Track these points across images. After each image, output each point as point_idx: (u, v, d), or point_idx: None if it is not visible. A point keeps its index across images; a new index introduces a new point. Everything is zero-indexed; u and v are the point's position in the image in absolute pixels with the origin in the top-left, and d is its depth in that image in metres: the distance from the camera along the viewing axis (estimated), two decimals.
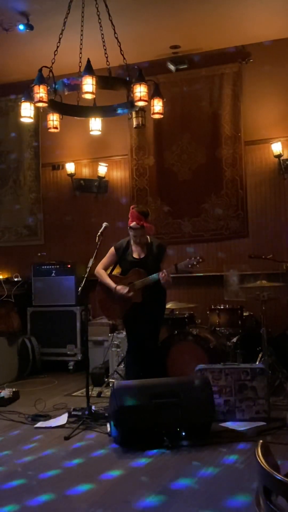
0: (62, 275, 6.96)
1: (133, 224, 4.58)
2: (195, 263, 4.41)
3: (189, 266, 4.43)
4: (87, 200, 7.38)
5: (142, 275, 4.56)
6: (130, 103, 4.61)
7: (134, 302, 4.57)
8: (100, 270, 4.78)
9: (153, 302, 4.59)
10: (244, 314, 5.77)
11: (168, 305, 5.51)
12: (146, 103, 4.50)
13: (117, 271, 4.90)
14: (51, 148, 7.57)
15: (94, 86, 4.25)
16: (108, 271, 4.84)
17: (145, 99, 4.40)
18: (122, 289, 4.57)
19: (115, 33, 4.63)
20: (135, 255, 4.72)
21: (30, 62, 6.19)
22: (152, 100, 4.64)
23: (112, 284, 4.65)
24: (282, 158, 6.49)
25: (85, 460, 3.62)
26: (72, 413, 4.54)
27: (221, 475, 3.27)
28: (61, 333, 6.82)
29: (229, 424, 4.21)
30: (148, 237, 4.78)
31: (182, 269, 4.46)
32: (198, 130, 6.95)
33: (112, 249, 4.83)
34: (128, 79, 4.56)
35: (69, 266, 6.96)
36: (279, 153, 6.47)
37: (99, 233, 4.69)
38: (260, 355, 5.20)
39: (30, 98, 4.53)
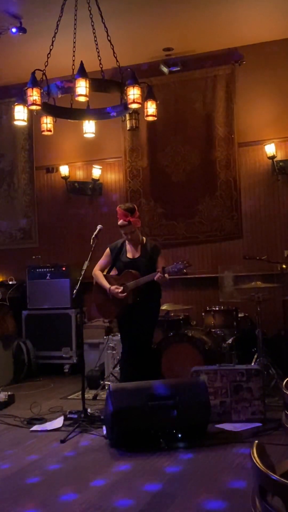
0: (57, 278, 6.95)
1: (120, 222, 4.63)
2: (181, 267, 4.40)
3: (175, 270, 4.43)
4: (82, 203, 7.37)
5: (134, 276, 4.57)
6: (123, 106, 4.62)
7: (125, 304, 4.58)
8: (96, 272, 4.82)
9: (146, 304, 4.59)
10: (239, 315, 5.79)
11: (163, 307, 5.51)
12: (139, 106, 4.50)
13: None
14: (45, 151, 7.56)
15: (88, 89, 4.25)
16: (105, 272, 4.86)
17: (138, 101, 4.40)
18: (115, 289, 4.59)
19: (108, 35, 4.63)
20: (129, 255, 4.74)
21: (23, 65, 6.18)
22: (145, 102, 4.65)
23: (106, 285, 4.69)
24: (275, 159, 6.51)
25: (81, 463, 3.62)
26: (68, 416, 4.53)
27: (218, 477, 3.27)
28: (56, 336, 6.80)
29: (225, 426, 4.21)
30: (144, 238, 4.82)
31: (169, 272, 4.45)
32: (192, 132, 6.96)
33: (107, 250, 4.88)
34: (121, 81, 4.56)
35: (64, 268, 6.95)
36: (272, 154, 6.49)
37: (93, 236, 4.70)
38: (255, 356, 5.21)
39: (23, 101, 4.53)
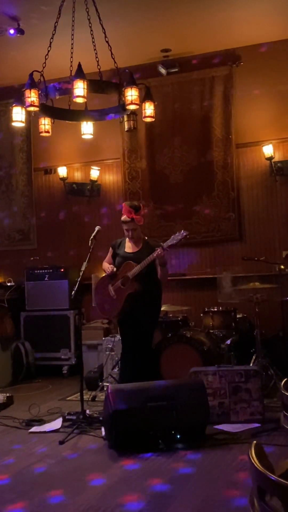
0: (55, 279, 6.95)
1: (123, 217, 4.67)
2: (179, 237, 4.42)
3: (174, 241, 4.44)
4: (80, 204, 7.37)
5: (133, 266, 4.57)
6: (121, 107, 4.62)
7: (128, 294, 4.57)
8: (103, 263, 4.96)
9: (146, 300, 4.58)
10: (238, 316, 5.79)
11: (162, 308, 5.50)
12: (137, 107, 4.51)
13: None
14: (43, 152, 7.56)
15: (85, 90, 4.26)
16: None
17: (136, 102, 4.40)
18: (108, 267, 4.78)
19: (105, 37, 4.63)
20: (128, 250, 4.75)
21: (21, 67, 6.19)
22: (143, 103, 4.65)
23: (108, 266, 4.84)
24: (273, 160, 6.51)
25: (80, 464, 3.61)
26: (67, 417, 4.52)
27: (216, 478, 3.27)
28: (55, 338, 6.80)
29: (223, 426, 4.21)
30: (146, 238, 4.84)
31: (169, 246, 4.47)
32: (190, 133, 6.97)
33: (110, 248, 4.95)
34: (119, 82, 4.56)
35: (62, 270, 6.94)
36: (270, 155, 6.49)
37: (92, 237, 4.71)
38: (254, 356, 5.21)
39: (21, 102, 4.54)
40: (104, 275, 4.96)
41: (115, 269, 4.73)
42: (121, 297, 4.64)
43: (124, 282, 4.61)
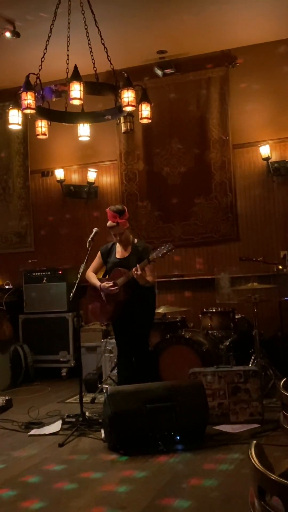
0: (53, 281, 6.94)
1: (108, 223, 4.63)
2: (165, 251, 4.41)
3: (160, 255, 4.43)
4: (77, 206, 7.37)
5: (123, 273, 4.56)
6: (118, 109, 4.62)
7: (118, 301, 4.57)
8: (89, 273, 4.82)
9: (138, 303, 4.56)
10: (236, 316, 5.79)
11: (160, 309, 5.51)
12: (134, 108, 4.51)
13: None
14: (40, 155, 7.56)
15: (82, 92, 4.26)
16: (100, 276, 4.86)
17: (133, 104, 4.41)
18: (106, 285, 4.59)
19: (101, 39, 4.63)
20: (118, 256, 4.73)
21: (17, 69, 6.19)
22: (140, 105, 4.66)
23: (97, 282, 4.70)
24: (270, 160, 6.52)
25: (79, 467, 3.61)
26: (66, 420, 4.52)
27: (216, 478, 3.26)
28: (54, 340, 6.79)
29: (223, 427, 4.21)
30: (135, 239, 4.81)
31: (154, 259, 4.45)
32: (186, 134, 6.98)
33: (99, 252, 4.87)
34: (115, 84, 4.57)
35: (60, 272, 6.93)
36: (267, 155, 6.50)
37: (89, 239, 4.70)
38: (253, 357, 5.21)
39: (17, 105, 4.54)
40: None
41: (115, 288, 4.58)
42: (111, 303, 4.62)
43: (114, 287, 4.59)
